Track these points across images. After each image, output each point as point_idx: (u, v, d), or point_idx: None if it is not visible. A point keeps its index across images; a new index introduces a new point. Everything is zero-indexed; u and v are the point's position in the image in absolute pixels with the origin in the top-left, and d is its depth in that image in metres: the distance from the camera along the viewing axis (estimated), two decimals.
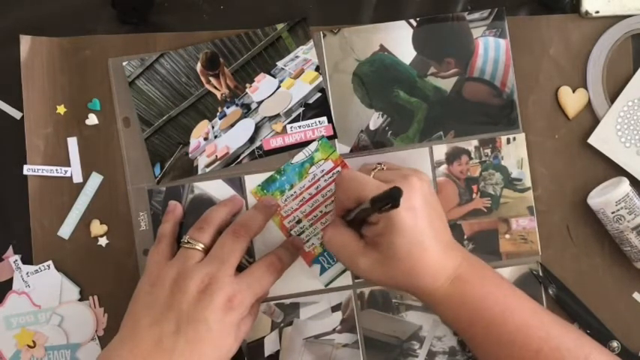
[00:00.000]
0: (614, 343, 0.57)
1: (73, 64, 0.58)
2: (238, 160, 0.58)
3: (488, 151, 0.58)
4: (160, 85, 0.58)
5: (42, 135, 0.58)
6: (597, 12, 0.58)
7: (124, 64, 0.58)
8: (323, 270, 0.58)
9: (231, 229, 0.53)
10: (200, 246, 0.52)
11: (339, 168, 0.58)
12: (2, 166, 0.58)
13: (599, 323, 0.57)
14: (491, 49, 0.58)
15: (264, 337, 0.58)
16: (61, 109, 0.58)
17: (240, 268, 0.53)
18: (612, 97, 0.58)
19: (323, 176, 0.58)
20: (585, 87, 0.58)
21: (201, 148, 0.58)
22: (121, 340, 0.49)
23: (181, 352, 0.47)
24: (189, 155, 0.58)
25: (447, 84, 0.58)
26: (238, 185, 0.58)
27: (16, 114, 0.58)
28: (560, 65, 0.59)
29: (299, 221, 0.58)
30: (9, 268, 0.57)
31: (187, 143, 0.58)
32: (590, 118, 0.58)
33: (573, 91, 0.58)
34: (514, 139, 0.58)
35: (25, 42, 0.57)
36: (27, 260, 0.57)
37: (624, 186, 0.55)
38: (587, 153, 0.58)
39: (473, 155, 0.58)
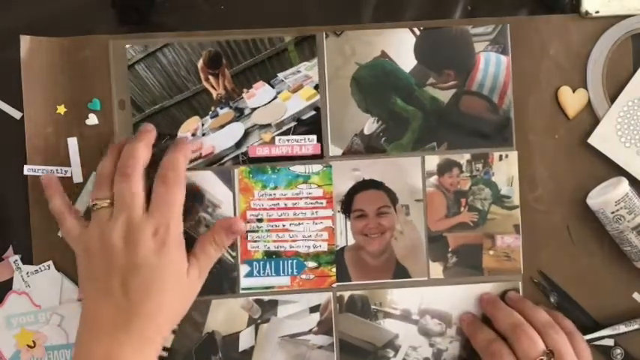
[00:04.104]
0: (618, 350, 0.57)
1: (73, 64, 0.58)
2: (221, 162, 0.58)
3: (479, 165, 0.58)
4: (159, 74, 0.58)
5: (42, 135, 0.58)
6: (597, 12, 0.58)
7: (127, 46, 0.57)
8: (249, 274, 0.58)
9: (118, 172, 0.52)
10: (106, 202, 0.52)
11: (324, 201, 0.58)
12: (2, 166, 0.58)
13: (603, 330, 0.57)
14: (492, 64, 0.58)
15: (239, 332, 0.58)
16: (61, 109, 0.58)
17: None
18: (612, 97, 0.58)
19: (307, 198, 0.58)
20: (585, 87, 0.58)
21: None
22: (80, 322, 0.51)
23: (137, 301, 0.49)
24: None
25: (444, 95, 0.58)
26: (228, 178, 0.58)
27: (16, 114, 0.58)
28: (560, 65, 0.58)
29: (260, 220, 0.58)
30: (9, 268, 0.57)
31: (174, 136, 0.58)
32: (590, 118, 0.58)
33: (573, 91, 0.58)
34: (506, 156, 0.58)
35: (25, 42, 0.57)
36: (27, 260, 0.57)
37: (624, 186, 0.55)
38: (587, 153, 0.58)
39: (464, 169, 0.58)
